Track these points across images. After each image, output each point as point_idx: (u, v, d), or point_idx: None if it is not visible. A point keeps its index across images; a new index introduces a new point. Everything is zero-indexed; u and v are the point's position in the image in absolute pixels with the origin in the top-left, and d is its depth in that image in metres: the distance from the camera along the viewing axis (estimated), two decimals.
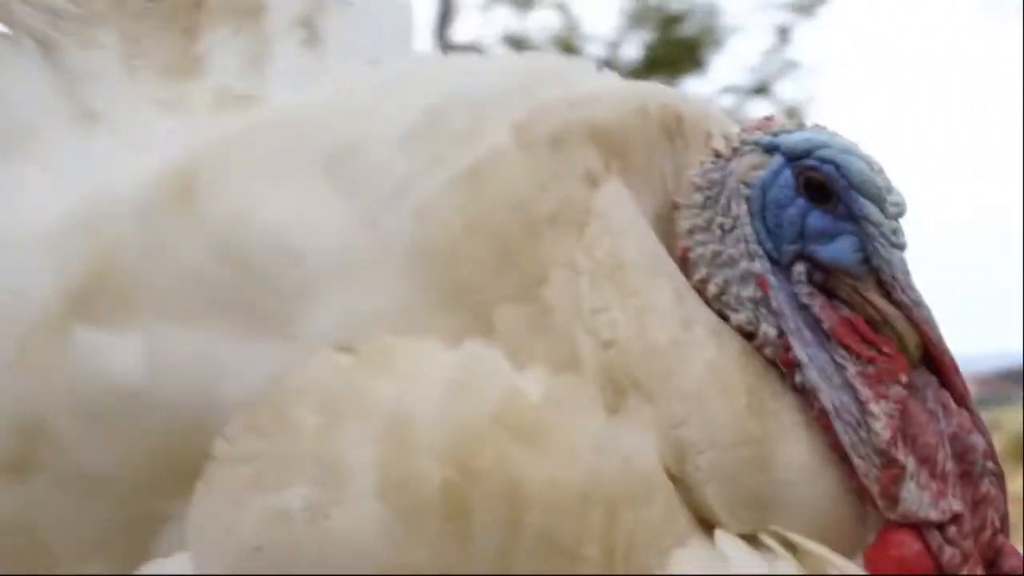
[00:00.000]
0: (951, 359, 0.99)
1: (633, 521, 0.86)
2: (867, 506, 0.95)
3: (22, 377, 0.93)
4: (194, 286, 0.92)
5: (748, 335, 0.99)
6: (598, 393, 0.90)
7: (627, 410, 0.90)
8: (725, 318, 1.00)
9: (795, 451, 0.94)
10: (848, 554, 0.93)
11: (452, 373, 0.88)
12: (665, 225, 1.03)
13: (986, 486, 0.97)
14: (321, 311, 0.91)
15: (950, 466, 0.96)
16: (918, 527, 0.93)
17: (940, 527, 0.94)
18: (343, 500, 0.84)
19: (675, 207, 1.04)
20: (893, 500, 0.94)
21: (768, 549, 0.89)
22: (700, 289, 1.01)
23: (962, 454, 0.97)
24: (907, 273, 1.00)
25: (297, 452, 0.86)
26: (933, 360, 0.99)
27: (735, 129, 1.07)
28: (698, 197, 1.03)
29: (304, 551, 0.84)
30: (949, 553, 0.93)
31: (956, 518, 0.94)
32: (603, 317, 0.93)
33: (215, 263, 0.93)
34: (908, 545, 0.92)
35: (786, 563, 0.89)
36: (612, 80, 1.09)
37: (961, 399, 0.99)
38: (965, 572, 0.93)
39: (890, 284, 0.99)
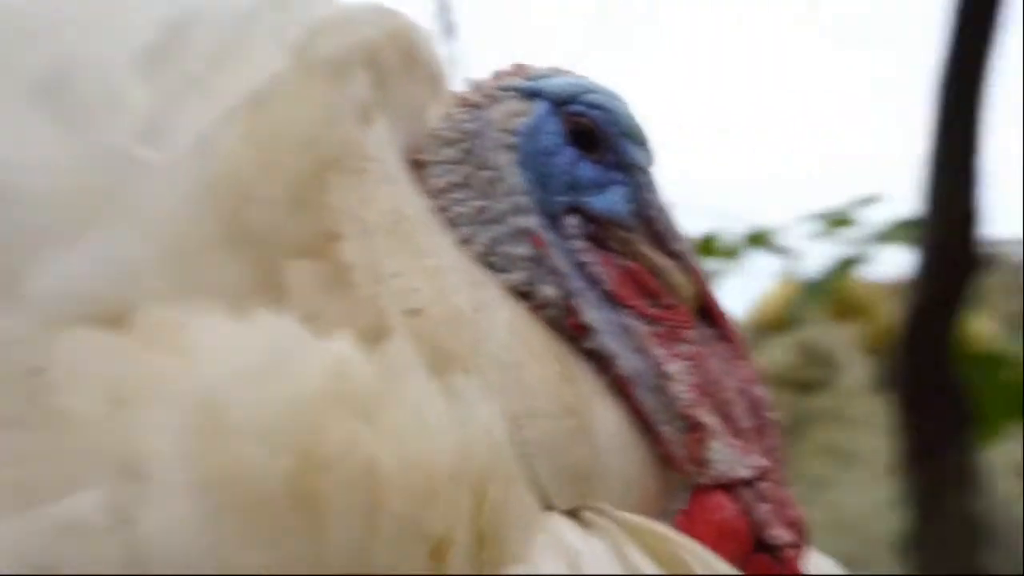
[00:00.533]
0: (724, 309, 0.94)
1: (502, 501, 0.77)
2: (672, 471, 0.89)
3: None
4: None
5: (523, 296, 0.90)
6: (421, 364, 0.79)
7: (455, 382, 0.80)
8: (496, 275, 0.91)
9: (607, 419, 0.87)
10: (654, 516, 0.86)
11: (259, 344, 0.75)
12: (414, 173, 0.92)
13: (774, 437, 0.91)
14: (52, 268, 0.77)
15: (746, 420, 0.90)
16: (730, 487, 0.87)
17: (750, 483, 0.88)
18: (149, 500, 0.70)
19: (419, 164, 0.94)
20: (703, 463, 0.88)
21: (601, 529, 0.83)
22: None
23: (752, 406, 0.92)
24: (675, 223, 0.95)
25: (77, 448, 0.72)
26: (709, 311, 0.94)
27: (483, 76, 0.98)
28: (451, 152, 0.94)
29: (109, 564, 0.69)
30: (762, 509, 0.87)
31: (764, 472, 0.88)
32: (403, 282, 0.82)
33: None
34: (725, 507, 0.86)
35: (630, 548, 0.82)
36: None
37: (740, 350, 0.93)
38: (778, 526, 0.87)
39: (663, 235, 0.93)
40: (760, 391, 0.92)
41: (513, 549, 0.77)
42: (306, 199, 0.81)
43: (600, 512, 0.83)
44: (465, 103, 0.95)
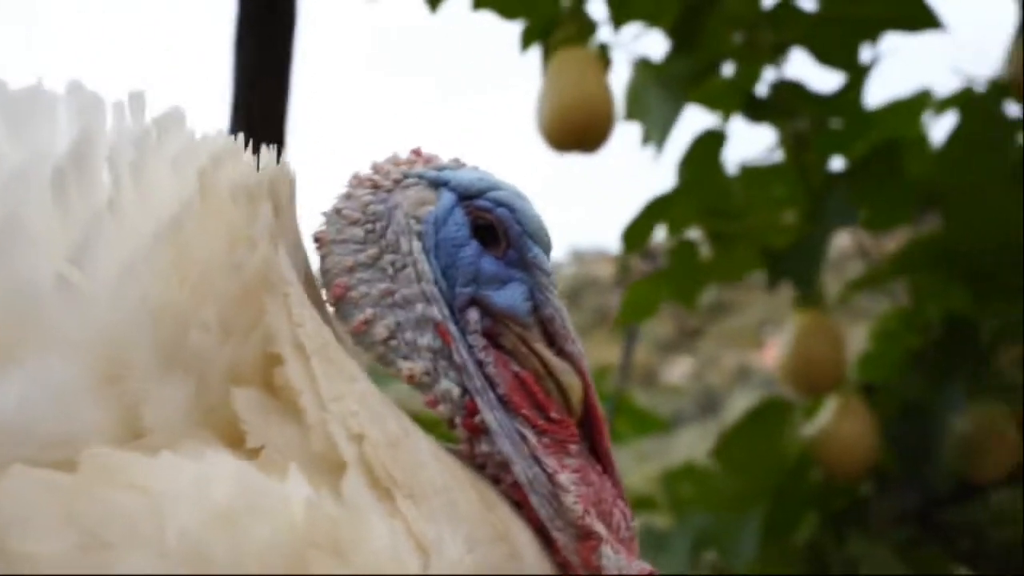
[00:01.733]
0: (603, 417, 0.96)
1: None
2: None
3: None
4: None
5: (420, 387, 0.92)
6: (372, 494, 0.79)
7: (402, 510, 0.80)
8: (388, 364, 0.93)
9: (528, 543, 0.88)
10: None
11: (226, 486, 0.73)
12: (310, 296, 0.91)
13: (637, 547, 0.93)
14: None
15: (624, 527, 0.92)
16: None
17: None
18: None
19: (320, 242, 0.94)
20: (596, 569, 0.89)
21: None
22: (361, 332, 0.92)
23: (624, 517, 0.93)
24: (570, 325, 0.95)
25: None
26: (591, 415, 0.95)
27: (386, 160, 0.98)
28: (357, 231, 0.94)
29: None
30: None
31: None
32: (343, 406, 0.82)
33: None
34: None
35: None
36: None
37: (609, 460, 0.95)
38: None
39: (560, 335, 0.94)
40: (625, 502, 0.94)
41: None
42: (242, 323, 0.81)
43: None
44: (368, 184, 0.95)
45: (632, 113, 2.97)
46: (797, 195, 3.05)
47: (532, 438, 0.91)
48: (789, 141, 3.06)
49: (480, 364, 0.92)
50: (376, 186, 0.95)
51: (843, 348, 3.06)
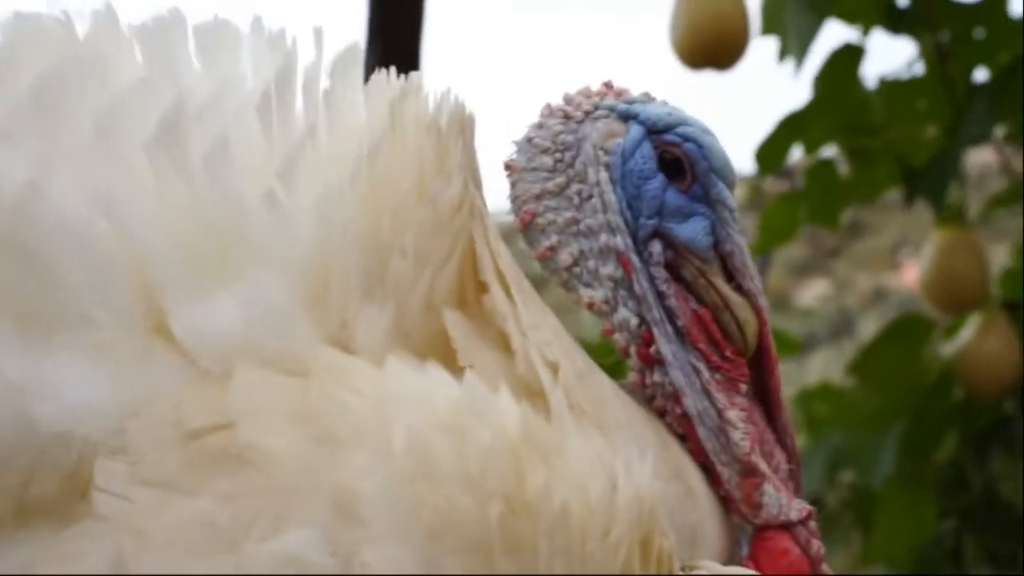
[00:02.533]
0: (775, 354, 0.98)
1: (661, 550, 0.80)
2: (731, 514, 0.93)
3: None
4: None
5: (596, 314, 0.95)
6: (572, 415, 0.81)
7: (617, 438, 0.82)
8: (569, 291, 0.96)
9: (698, 478, 0.92)
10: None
11: (450, 395, 0.75)
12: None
13: (801, 482, 0.96)
14: (199, 317, 0.76)
15: (784, 466, 0.95)
16: (786, 528, 0.92)
17: (800, 524, 0.92)
18: (370, 542, 0.70)
19: (511, 169, 0.97)
20: (757, 507, 0.92)
21: None
22: (546, 257, 0.95)
23: (789, 455, 0.96)
24: (751, 263, 0.97)
25: (284, 486, 0.71)
26: (763, 351, 0.97)
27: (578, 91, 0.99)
28: (546, 160, 0.96)
29: None
30: (816, 546, 0.92)
31: (809, 515, 0.93)
32: (540, 335, 0.85)
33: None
34: (790, 551, 0.92)
35: None
36: None
37: (779, 400, 0.97)
38: (826, 564, 0.93)
39: (739, 271, 0.96)
40: (793, 440, 0.96)
41: None
42: (436, 253, 0.82)
43: (707, 569, 0.86)
44: (559, 114, 0.97)
45: (769, 28, 2.92)
46: (939, 109, 2.98)
47: (705, 372, 0.93)
48: (931, 54, 2.99)
49: (661, 295, 0.94)
50: (567, 116, 0.97)
51: (985, 265, 3.00)
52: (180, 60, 0.86)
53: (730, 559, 0.92)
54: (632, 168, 0.95)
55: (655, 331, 0.93)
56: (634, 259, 0.94)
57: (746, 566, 0.91)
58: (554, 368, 0.84)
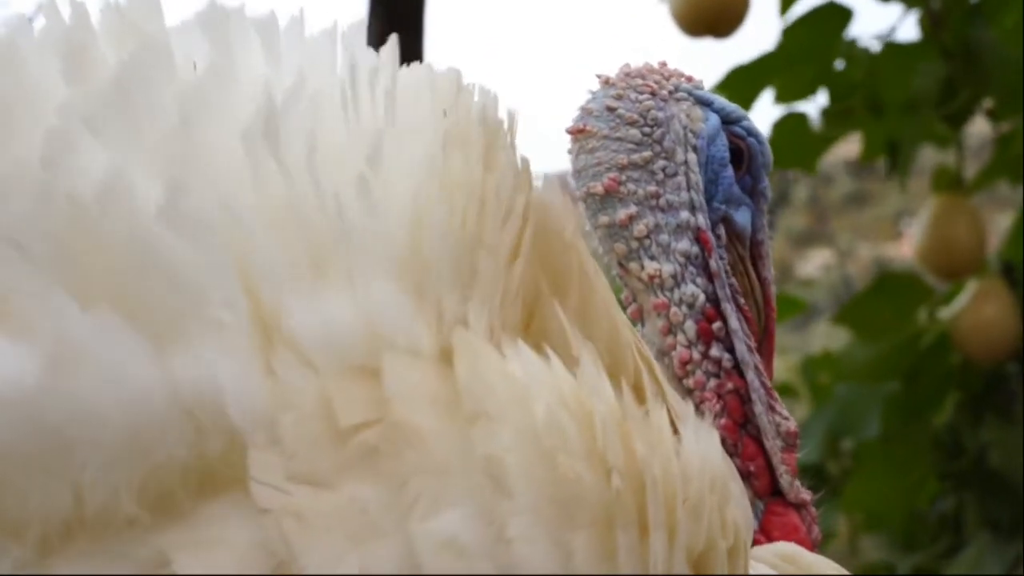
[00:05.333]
0: (774, 342, 1.03)
1: (738, 522, 0.83)
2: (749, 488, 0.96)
3: None
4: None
5: (651, 287, 0.98)
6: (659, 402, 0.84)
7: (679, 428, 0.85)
8: (629, 261, 0.98)
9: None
10: None
11: (566, 376, 0.79)
12: None
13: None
14: (313, 315, 0.76)
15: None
16: (800, 507, 0.97)
17: (808, 506, 0.97)
18: (515, 514, 0.72)
19: (586, 134, 0.99)
20: (795, 473, 0.97)
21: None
22: (624, 225, 0.97)
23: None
24: (771, 252, 1.03)
25: (439, 465, 0.73)
26: (767, 337, 1.02)
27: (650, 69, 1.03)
28: (634, 132, 0.98)
29: (488, 569, 0.72)
30: (815, 531, 0.97)
31: (812, 500, 0.98)
32: (627, 330, 0.88)
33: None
34: (799, 528, 0.96)
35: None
36: None
37: (771, 382, 1.01)
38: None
39: (762, 260, 1.02)
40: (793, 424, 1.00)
41: (743, 560, 0.84)
42: (517, 244, 0.84)
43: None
44: (646, 89, 1.00)
45: None
46: (929, 77, 2.98)
47: (754, 351, 0.99)
48: (925, 20, 2.99)
49: (727, 274, 0.99)
50: (654, 93, 1.00)
51: (982, 230, 3.01)
52: (245, 52, 0.86)
53: None
54: (713, 154, 1.00)
55: (725, 307, 0.97)
56: (712, 238, 0.98)
57: (757, 539, 0.95)
58: (648, 364, 0.87)
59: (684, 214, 0.98)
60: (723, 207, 1.00)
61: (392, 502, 0.72)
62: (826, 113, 3.09)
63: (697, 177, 0.99)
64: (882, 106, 3.00)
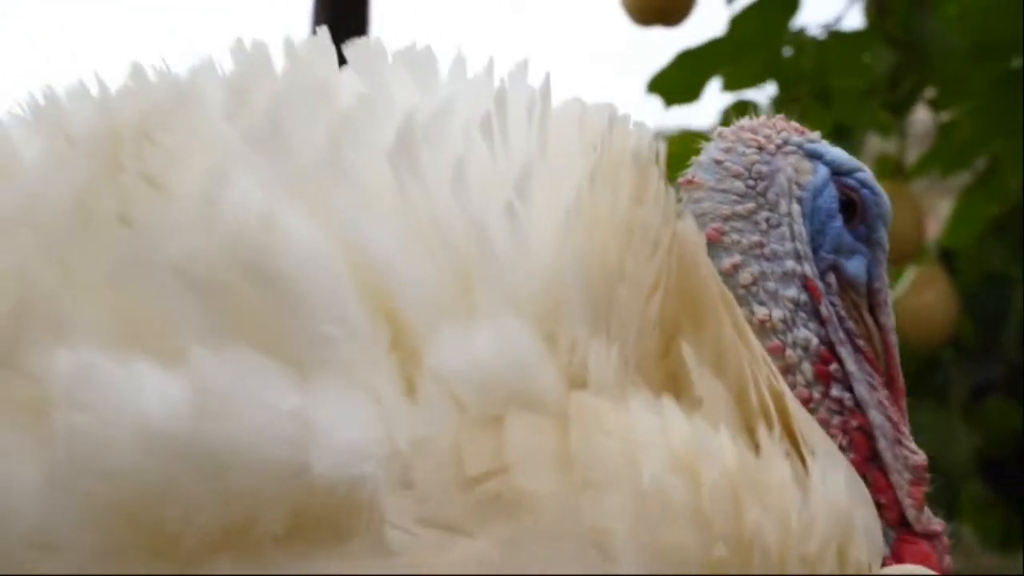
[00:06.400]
0: (903, 385, 1.05)
1: (860, 562, 0.86)
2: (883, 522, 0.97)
3: None
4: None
5: (770, 332, 0.99)
6: (782, 444, 0.86)
7: (806, 459, 0.87)
8: (742, 306, 0.99)
9: (867, 492, 0.95)
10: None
11: (681, 434, 0.80)
12: None
13: None
14: (453, 354, 0.77)
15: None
16: (931, 538, 0.98)
17: (940, 536, 0.99)
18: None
19: (694, 185, 1.01)
20: (921, 511, 0.97)
21: None
22: (729, 274, 0.99)
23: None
24: (889, 298, 1.06)
25: (552, 530, 0.75)
26: (892, 382, 1.03)
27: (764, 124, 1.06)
28: (739, 185, 1.02)
29: None
30: (947, 562, 0.99)
31: (943, 530, 1.00)
32: (764, 364, 0.89)
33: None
34: (931, 557, 0.97)
35: None
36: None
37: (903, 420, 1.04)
38: None
39: (880, 307, 1.04)
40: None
41: None
42: (658, 278, 0.86)
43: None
44: (753, 144, 1.03)
45: None
46: (876, 64, 3.02)
47: (880, 389, 0.99)
48: (871, 8, 3.03)
49: (841, 319, 1.00)
50: (760, 147, 1.03)
51: (921, 217, 3.05)
52: (392, 83, 0.89)
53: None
54: (820, 205, 1.01)
55: (841, 350, 0.99)
56: (820, 285, 1.00)
57: (886, 564, 0.96)
58: (778, 397, 0.88)
59: (789, 263, 1.00)
60: (832, 256, 1.02)
61: (507, 563, 0.74)
62: (775, 101, 3.11)
63: (801, 228, 1.01)
64: (829, 94, 3.03)
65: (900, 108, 3.05)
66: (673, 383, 0.85)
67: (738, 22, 3.00)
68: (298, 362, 0.74)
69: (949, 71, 2.95)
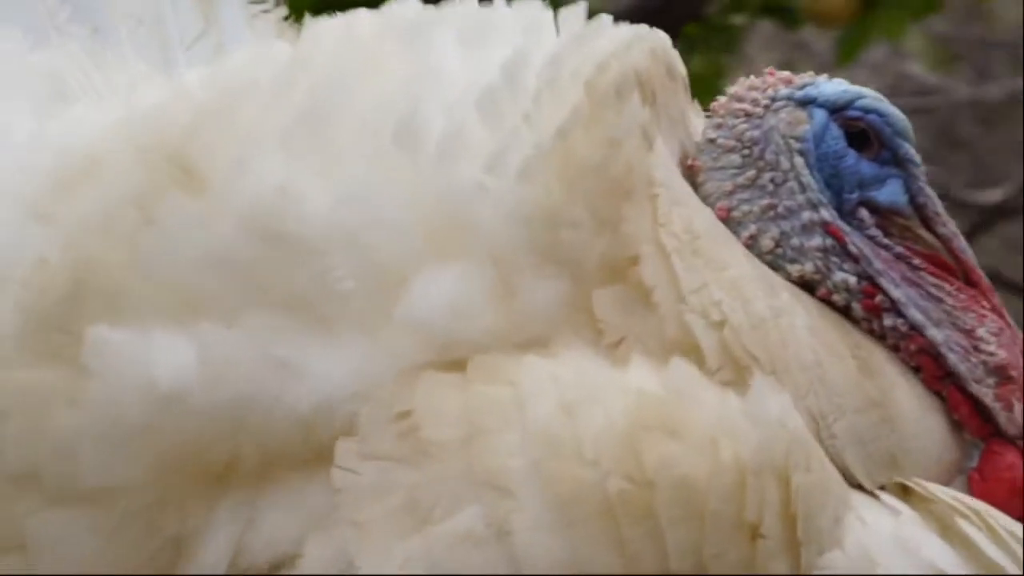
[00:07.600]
0: (988, 283, 1.05)
1: (805, 486, 0.87)
2: (964, 434, 1.00)
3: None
4: (239, 279, 0.88)
5: (807, 285, 1.01)
6: (714, 373, 0.90)
7: (755, 384, 0.90)
8: (776, 270, 1.01)
9: (908, 403, 0.97)
10: (949, 481, 0.98)
11: (570, 382, 0.87)
12: (687, 177, 1.02)
13: None
14: (403, 303, 0.88)
15: None
16: (1016, 445, 0.99)
17: None
18: (519, 512, 0.84)
19: (694, 170, 1.03)
20: (1010, 409, 1.00)
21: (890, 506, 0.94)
22: (749, 246, 1.01)
23: None
24: (941, 208, 1.06)
25: (452, 473, 0.85)
26: (974, 285, 1.04)
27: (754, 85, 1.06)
28: (734, 158, 1.03)
29: (497, 567, 0.84)
30: None
31: None
32: (704, 296, 0.91)
33: (255, 249, 0.88)
34: (1016, 467, 0.99)
35: (911, 517, 0.93)
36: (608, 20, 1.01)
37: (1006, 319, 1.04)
38: None
39: (932, 219, 1.04)
40: None
41: (824, 527, 0.89)
42: (607, 223, 0.91)
43: (906, 488, 0.95)
44: (740, 113, 1.03)
45: None
46: None
47: (948, 299, 1.01)
48: None
49: (886, 248, 1.02)
50: (748, 114, 1.03)
51: None
52: (441, 53, 0.96)
53: (958, 472, 0.99)
54: (826, 151, 1.03)
55: (881, 281, 1.00)
56: (842, 225, 1.01)
57: (971, 478, 0.99)
58: (718, 326, 0.91)
59: (806, 214, 1.01)
60: (855, 195, 1.03)
61: (413, 506, 0.85)
62: None
63: (808, 178, 1.02)
64: None
65: None
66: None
67: None
68: (302, 317, 0.88)
69: None
